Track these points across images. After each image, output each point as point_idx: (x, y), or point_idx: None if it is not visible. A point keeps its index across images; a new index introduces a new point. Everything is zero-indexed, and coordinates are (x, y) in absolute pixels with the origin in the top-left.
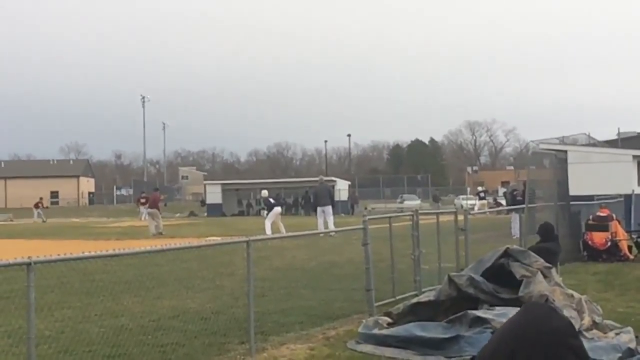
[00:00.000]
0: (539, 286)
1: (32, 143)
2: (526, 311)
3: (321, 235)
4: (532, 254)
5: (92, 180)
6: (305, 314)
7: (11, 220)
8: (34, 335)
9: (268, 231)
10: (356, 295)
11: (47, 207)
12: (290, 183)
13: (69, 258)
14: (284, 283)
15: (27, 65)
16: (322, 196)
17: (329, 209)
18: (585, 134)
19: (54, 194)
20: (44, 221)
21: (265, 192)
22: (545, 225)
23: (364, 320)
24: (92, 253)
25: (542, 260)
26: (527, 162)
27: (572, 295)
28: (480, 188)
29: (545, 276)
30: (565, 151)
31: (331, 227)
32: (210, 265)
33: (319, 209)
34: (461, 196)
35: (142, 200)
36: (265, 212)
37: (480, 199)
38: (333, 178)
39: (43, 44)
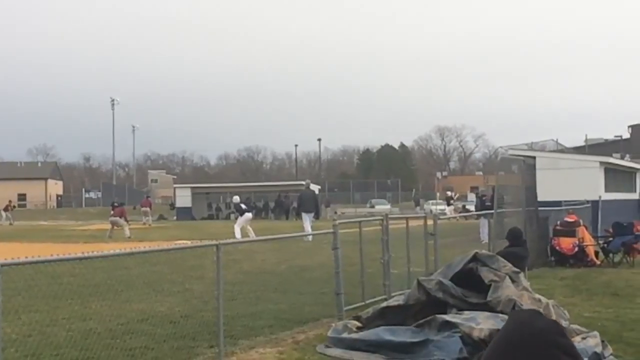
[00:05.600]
0: (507, 290)
1: None
2: (510, 319)
3: (299, 237)
4: (501, 258)
5: (60, 183)
6: (275, 317)
7: None
8: (0, 338)
9: (238, 235)
10: (326, 299)
11: (14, 207)
12: (261, 187)
13: (37, 261)
14: (253, 287)
15: None
16: (307, 202)
17: (311, 214)
18: (553, 140)
19: (22, 197)
20: (11, 224)
21: (237, 198)
22: (513, 230)
23: (333, 324)
24: (60, 256)
25: (510, 265)
26: (496, 168)
27: (539, 300)
28: (449, 193)
29: (513, 281)
30: (534, 157)
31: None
32: (179, 269)
33: (303, 214)
34: (430, 201)
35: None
36: (238, 215)
37: (449, 204)
38: (303, 182)
39: (12, 45)
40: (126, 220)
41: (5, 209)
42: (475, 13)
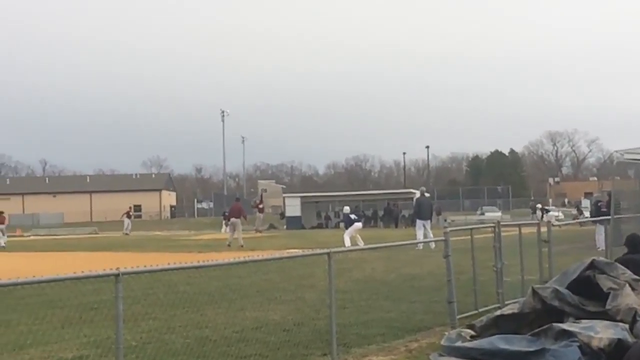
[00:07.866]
0: (627, 299)
1: (115, 158)
2: None
3: (408, 246)
4: (620, 266)
5: (173, 194)
6: (387, 326)
7: (96, 234)
8: (122, 345)
9: (347, 244)
10: (437, 307)
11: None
12: (369, 195)
13: (155, 269)
14: (364, 295)
15: (109, 82)
16: (425, 209)
17: (428, 222)
18: None
19: (137, 208)
20: (126, 234)
21: (347, 209)
22: (633, 237)
23: (446, 333)
24: (177, 265)
25: (629, 273)
26: (612, 173)
27: None
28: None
29: (633, 289)
30: None
31: (430, 236)
32: (291, 277)
33: (419, 221)
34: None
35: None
36: (344, 225)
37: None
38: (412, 190)
39: (125, 61)
40: (244, 218)
41: (128, 216)
42: (587, 11)
